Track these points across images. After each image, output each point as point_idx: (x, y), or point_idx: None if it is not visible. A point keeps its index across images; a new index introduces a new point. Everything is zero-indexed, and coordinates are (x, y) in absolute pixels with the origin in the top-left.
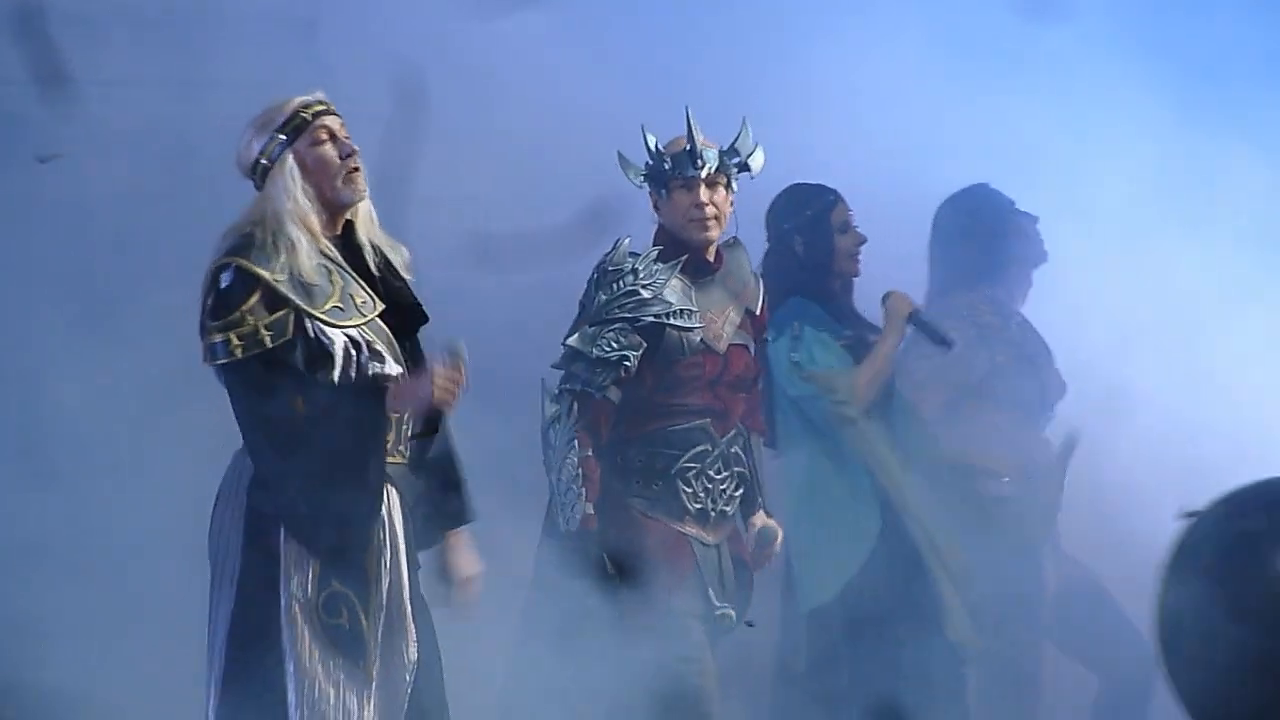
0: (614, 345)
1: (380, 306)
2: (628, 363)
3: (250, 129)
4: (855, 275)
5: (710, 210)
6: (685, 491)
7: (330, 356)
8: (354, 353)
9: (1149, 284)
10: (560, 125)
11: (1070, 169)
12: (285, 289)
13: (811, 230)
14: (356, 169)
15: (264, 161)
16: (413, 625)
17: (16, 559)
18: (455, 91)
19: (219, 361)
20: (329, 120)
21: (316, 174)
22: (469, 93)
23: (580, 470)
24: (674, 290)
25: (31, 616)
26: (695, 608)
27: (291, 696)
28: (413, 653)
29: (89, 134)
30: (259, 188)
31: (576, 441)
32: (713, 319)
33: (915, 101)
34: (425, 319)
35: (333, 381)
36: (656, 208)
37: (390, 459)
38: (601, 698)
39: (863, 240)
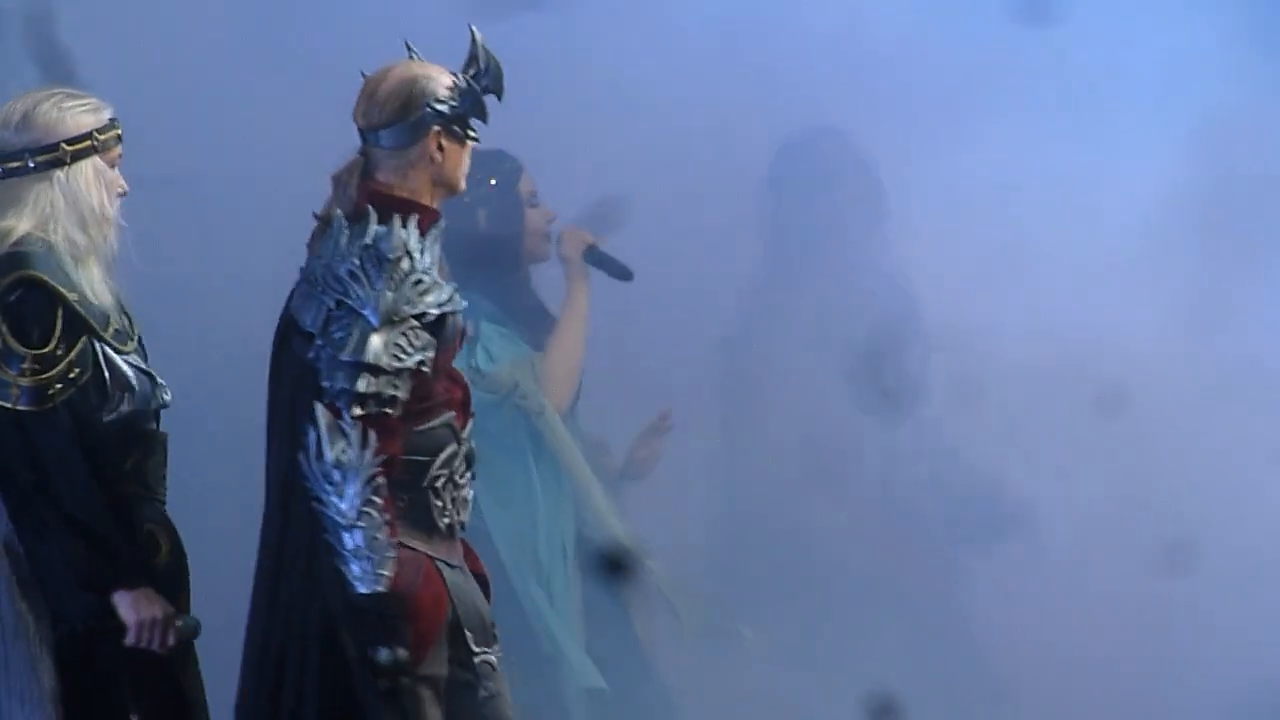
0: (410, 349)
1: (139, 331)
2: (425, 368)
3: (36, 111)
4: (545, 259)
5: None
6: (435, 505)
7: (119, 390)
8: (144, 379)
9: None
10: (560, 126)
11: None
12: (81, 310)
13: (498, 201)
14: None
15: (29, 163)
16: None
17: None
18: None
19: (20, 408)
20: (115, 153)
21: (108, 195)
22: None
23: (386, 517)
24: (438, 268)
25: None
26: (440, 669)
27: None
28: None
29: None
30: (28, 170)
31: (379, 479)
32: None
33: None
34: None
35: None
36: (440, 151)
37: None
38: None
39: (553, 217)
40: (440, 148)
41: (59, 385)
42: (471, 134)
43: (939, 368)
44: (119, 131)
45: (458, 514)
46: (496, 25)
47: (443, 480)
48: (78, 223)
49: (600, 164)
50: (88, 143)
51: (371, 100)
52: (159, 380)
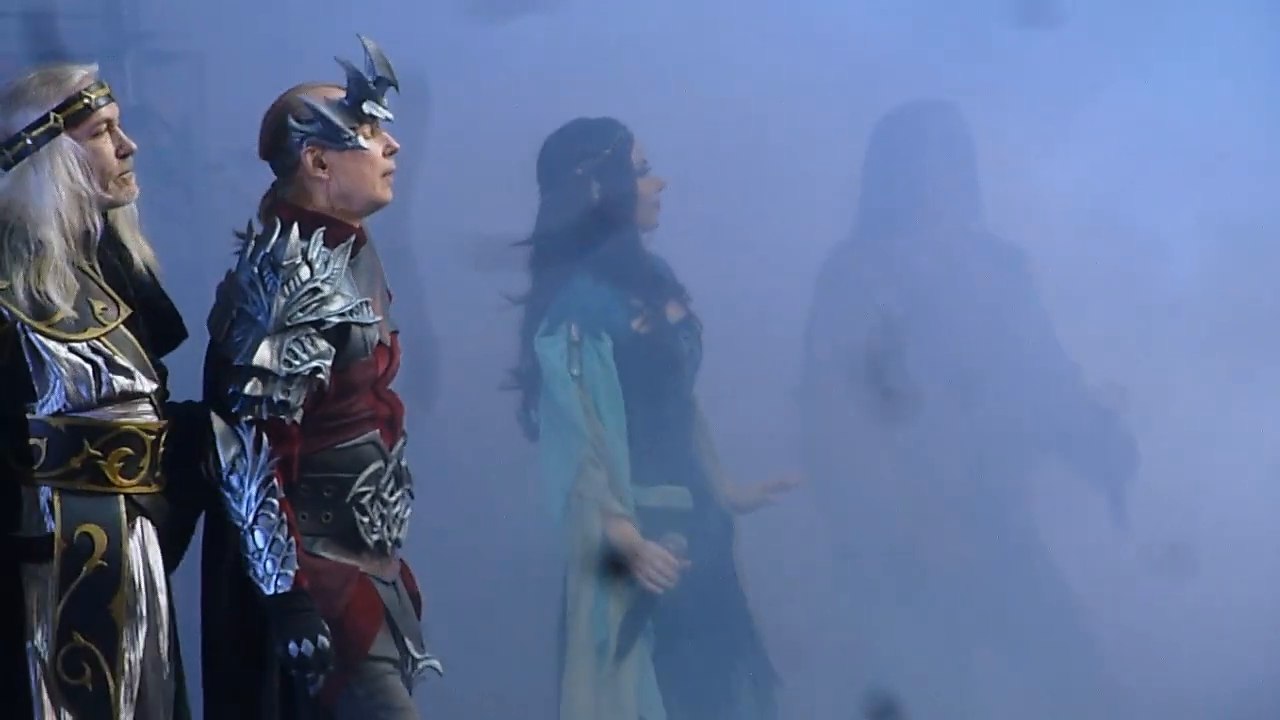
0: (304, 356)
1: (124, 313)
2: (321, 374)
3: (10, 94)
4: (653, 227)
5: (392, 163)
6: (362, 522)
7: (54, 376)
8: (87, 368)
9: None
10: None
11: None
12: (4, 300)
13: (612, 173)
14: (130, 169)
15: (26, 140)
16: (176, 680)
17: None
18: (455, 93)
19: None
20: (109, 110)
21: (88, 170)
22: (469, 95)
23: (284, 517)
24: (346, 279)
25: None
26: (390, 652)
27: None
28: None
29: None
30: (4, 165)
31: (275, 482)
32: (374, 305)
33: None
34: (184, 334)
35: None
36: (322, 167)
37: (145, 489)
38: None
39: (662, 184)
40: (321, 164)
41: None
42: (349, 141)
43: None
44: (94, 97)
45: (389, 531)
46: (497, 26)
47: (368, 497)
48: (46, 212)
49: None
50: (46, 125)
51: (259, 134)
52: (119, 362)
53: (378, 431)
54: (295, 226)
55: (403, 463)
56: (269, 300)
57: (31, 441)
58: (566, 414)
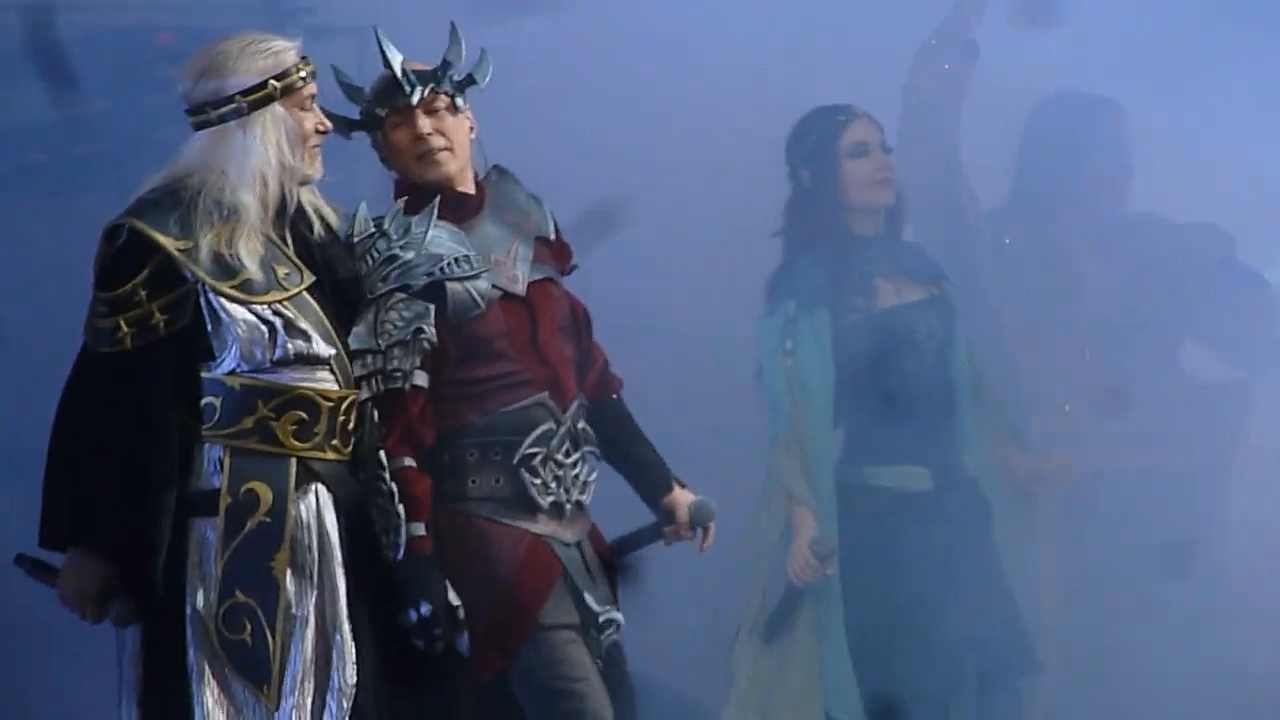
0: (400, 321)
1: (308, 280)
2: (424, 334)
3: (211, 63)
4: (888, 203)
5: (438, 140)
6: (534, 484)
7: (231, 337)
8: (264, 330)
9: None
10: (560, 126)
11: None
12: (186, 260)
13: (817, 160)
14: (318, 146)
15: (242, 104)
16: (352, 645)
17: None
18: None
19: (102, 350)
20: (312, 88)
21: (291, 140)
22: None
23: (395, 486)
24: (439, 242)
25: None
26: (569, 618)
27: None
28: (350, 675)
29: None
30: (201, 125)
31: (383, 454)
32: (499, 260)
33: None
34: (365, 295)
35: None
36: (384, 159)
37: (319, 454)
38: None
39: (885, 164)
40: (382, 156)
41: (132, 329)
42: (388, 140)
43: None
44: (305, 72)
45: (566, 493)
46: (496, 26)
47: (539, 458)
48: (248, 176)
49: (600, 164)
50: (264, 91)
51: None
52: (300, 325)
53: (546, 394)
54: (363, 205)
55: (579, 425)
56: (357, 280)
57: (206, 400)
58: (773, 393)
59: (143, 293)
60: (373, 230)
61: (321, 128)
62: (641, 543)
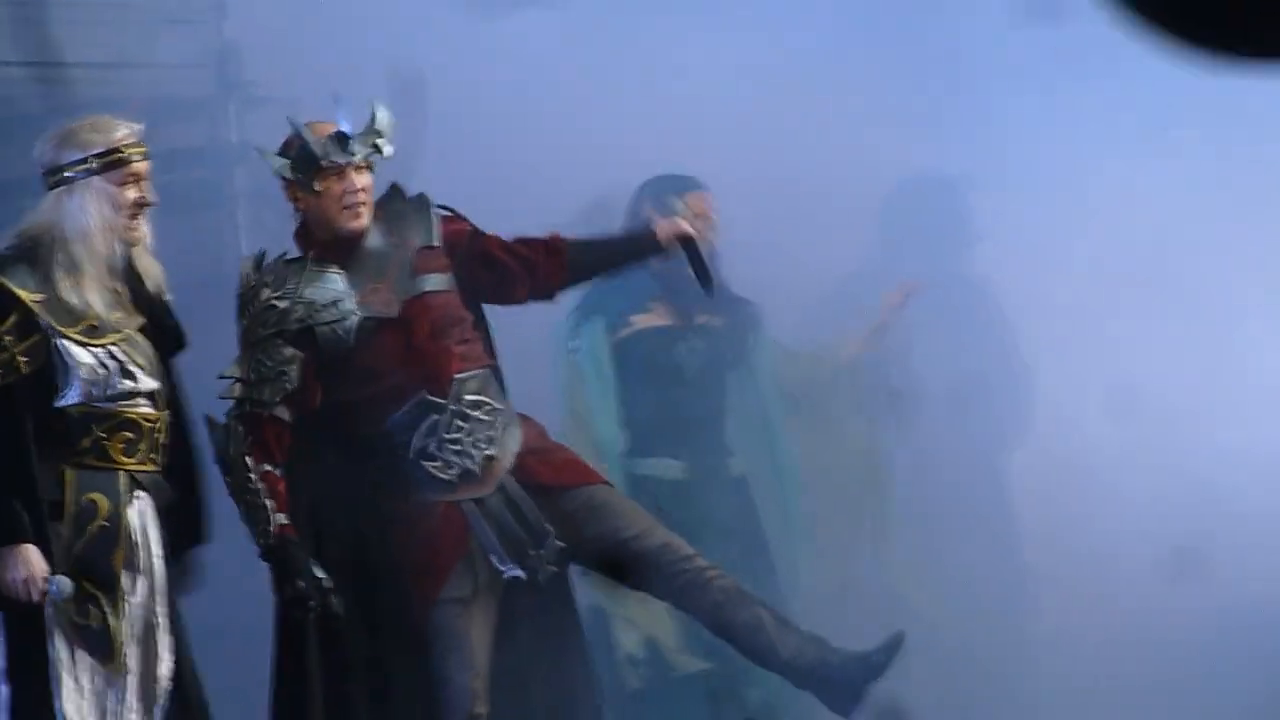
0: (270, 362)
1: (139, 321)
2: (286, 377)
3: (62, 135)
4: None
5: (363, 196)
6: (435, 467)
7: (74, 378)
8: (102, 373)
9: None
10: (560, 125)
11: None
12: (41, 310)
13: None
14: (138, 216)
15: (67, 174)
16: (168, 638)
17: None
18: (455, 91)
19: None
20: (140, 167)
21: (113, 207)
22: (469, 93)
23: (263, 484)
24: (316, 287)
25: None
26: (465, 590)
27: (55, 698)
28: (164, 669)
29: None
30: (50, 187)
31: (250, 459)
32: (375, 289)
33: None
34: (182, 344)
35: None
36: (297, 200)
37: (143, 467)
38: None
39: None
40: (296, 197)
41: (1, 369)
42: (316, 187)
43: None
44: (132, 152)
45: (469, 460)
46: (497, 23)
47: (432, 445)
48: (77, 234)
49: (600, 163)
50: (85, 165)
51: None
52: (129, 368)
53: (424, 391)
54: (249, 259)
55: (465, 397)
56: (241, 326)
57: (52, 426)
58: (560, 385)
59: (7, 339)
60: (253, 280)
61: (142, 200)
62: (694, 264)
